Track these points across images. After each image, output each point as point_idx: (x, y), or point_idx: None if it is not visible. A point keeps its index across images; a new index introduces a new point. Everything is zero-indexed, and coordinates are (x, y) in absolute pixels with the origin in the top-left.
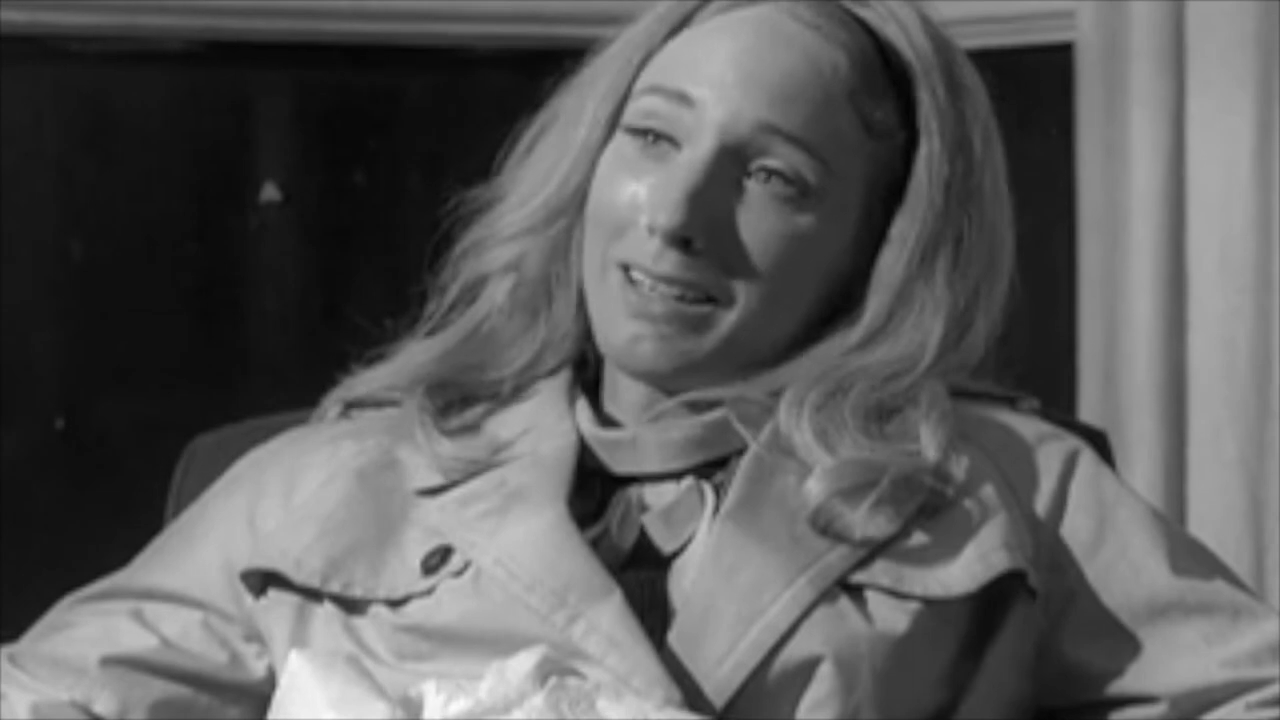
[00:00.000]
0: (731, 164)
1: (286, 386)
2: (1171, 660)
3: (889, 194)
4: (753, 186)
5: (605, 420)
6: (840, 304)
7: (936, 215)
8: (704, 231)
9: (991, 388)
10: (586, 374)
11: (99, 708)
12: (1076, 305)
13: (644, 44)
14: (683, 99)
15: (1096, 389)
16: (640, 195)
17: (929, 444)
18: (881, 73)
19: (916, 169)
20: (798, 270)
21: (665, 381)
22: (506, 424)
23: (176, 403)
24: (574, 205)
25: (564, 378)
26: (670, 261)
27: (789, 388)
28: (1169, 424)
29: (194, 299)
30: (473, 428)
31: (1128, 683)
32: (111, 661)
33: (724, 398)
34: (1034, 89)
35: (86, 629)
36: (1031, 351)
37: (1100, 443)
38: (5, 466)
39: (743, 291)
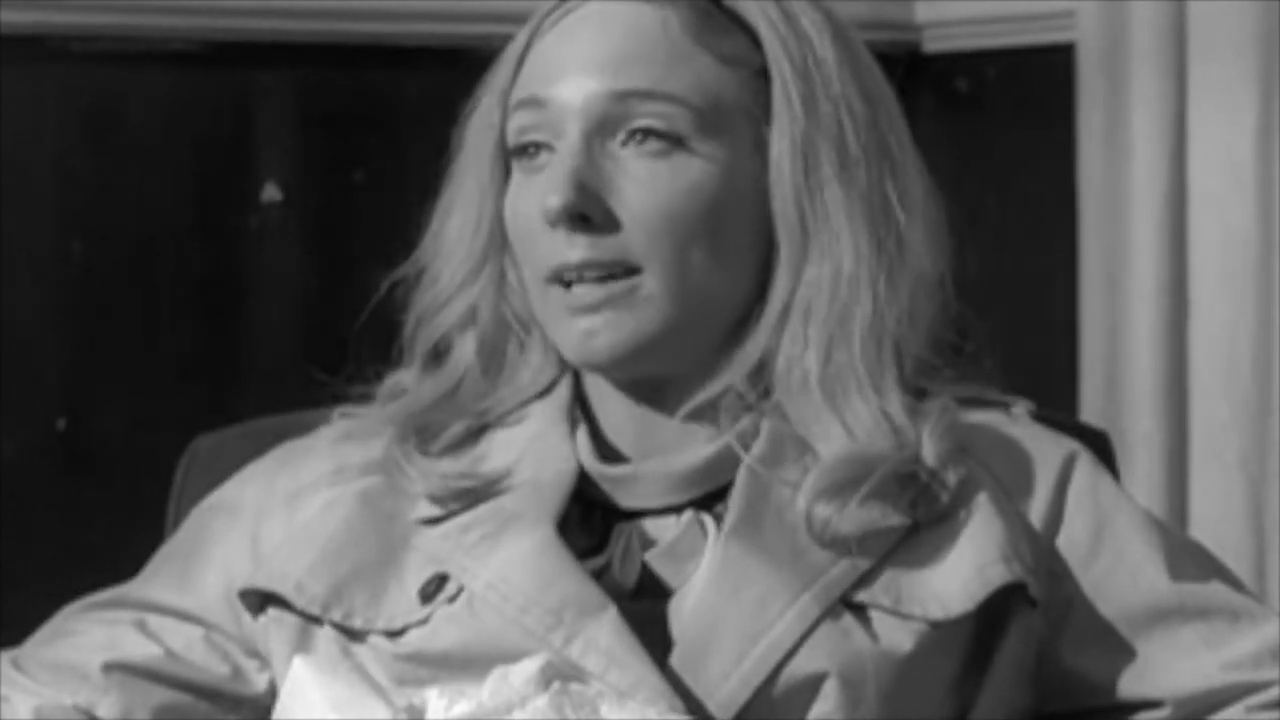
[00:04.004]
0: (605, 140)
1: (286, 387)
2: (1171, 665)
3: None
4: (631, 151)
5: (605, 447)
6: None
7: (803, 127)
8: (597, 205)
9: (985, 392)
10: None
11: (102, 712)
12: (1077, 305)
13: (505, 77)
14: (539, 103)
15: (1097, 389)
16: (536, 205)
17: (929, 451)
18: (718, 14)
19: (774, 91)
20: (704, 216)
21: (634, 367)
22: (500, 449)
23: (176, 403)
24: (494, 244)
25: (560, 399)
26: (582, 245)
27: (776, 358)
28: (1170, 424)
29: (194, 299)
30: (462, 457)
31: (1128, 688)
32: (114, 668)
33: (712, 395)
34: (1034, 89)
35: (90, 636)
36: (1032, 352)
37: (1101, 443)
38: (5, 467)
39: (655, 251)
